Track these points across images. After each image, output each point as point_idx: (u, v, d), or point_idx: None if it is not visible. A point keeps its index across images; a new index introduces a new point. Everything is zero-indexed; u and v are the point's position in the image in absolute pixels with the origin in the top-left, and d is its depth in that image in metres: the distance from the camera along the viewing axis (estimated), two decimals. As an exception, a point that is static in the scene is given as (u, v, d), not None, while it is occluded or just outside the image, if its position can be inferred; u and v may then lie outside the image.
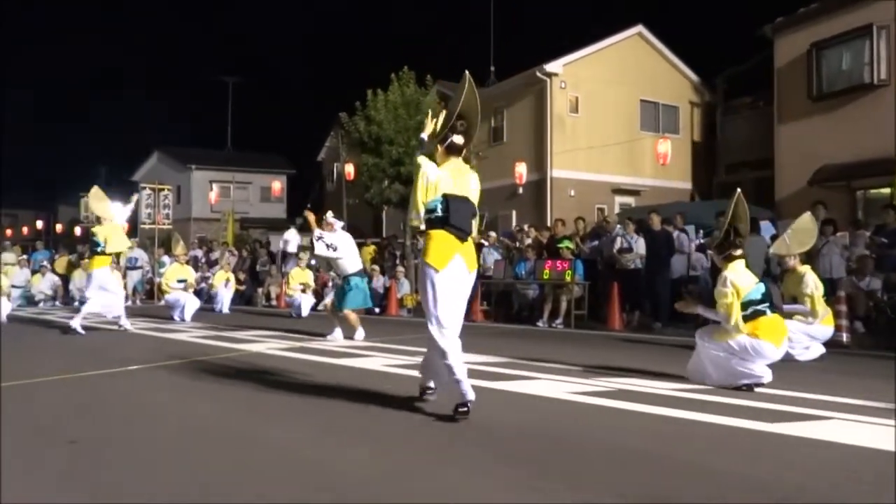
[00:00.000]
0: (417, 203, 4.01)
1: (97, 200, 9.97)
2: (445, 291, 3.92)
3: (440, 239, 3.96)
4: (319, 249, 8.07)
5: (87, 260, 10.84)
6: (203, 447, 3.36)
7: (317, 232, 8.12)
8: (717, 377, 4.95)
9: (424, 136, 4.19)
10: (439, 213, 3.97)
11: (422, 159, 4.07)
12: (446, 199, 3.97)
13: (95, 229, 9.68)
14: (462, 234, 3.99)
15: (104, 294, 9.42)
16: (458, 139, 4.13)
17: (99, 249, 9.41)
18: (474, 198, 4.13)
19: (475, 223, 4.21)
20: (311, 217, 8.37)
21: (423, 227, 4.06)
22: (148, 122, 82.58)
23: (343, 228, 8.63)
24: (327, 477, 2.86)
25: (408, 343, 7.77)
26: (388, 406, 4.29)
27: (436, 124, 4.18)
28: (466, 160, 4.32)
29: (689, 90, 21.64)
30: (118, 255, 12.13)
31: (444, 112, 4.26)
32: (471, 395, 3.82)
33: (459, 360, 3.92)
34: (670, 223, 11.15)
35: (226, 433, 3.64)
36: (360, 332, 8.24)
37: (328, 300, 9.77)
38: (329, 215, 8.47)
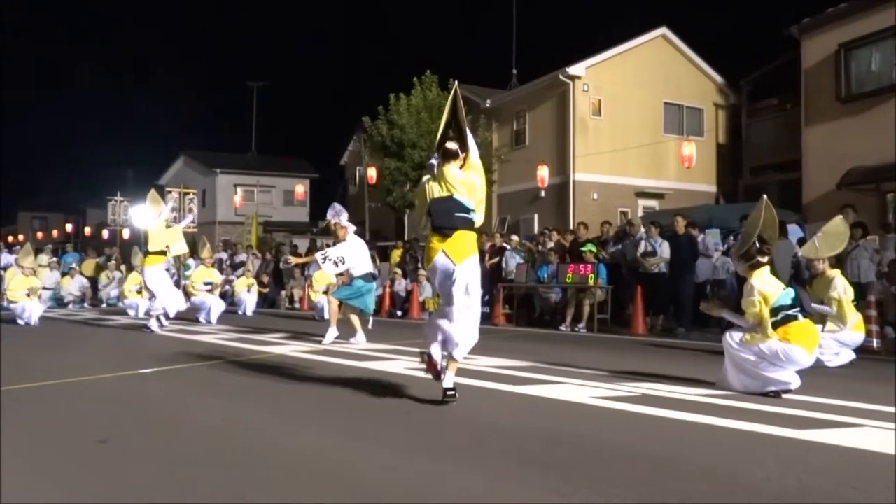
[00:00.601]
0: (419, 218, 4.61)
1: (149, 202, 10.44)
2: (434, 283, 4.59)
3: (428, 241, 4.47)
4: (329, 270, 8.03)
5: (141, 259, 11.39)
6: (229, 448, 3.40)
7: (319, 255, 8.09)
8: (745, 382, 4.87)
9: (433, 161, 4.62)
10: (429, 217, 4.41)
11: (424, 178, 4.57)
12: (429, 206, 4.39)
13: (145, 229, 10.13)
14: (445, 232, 4.35)
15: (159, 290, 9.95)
16: (450, 145, 4.45)
17: (143, 249, 9.87)
18: (466, 189, 4.37)
19: (468, 213, 4.39)
20: (297, 260, 8.66)
21: (427, 232, 4.53)
22: (174, 127, 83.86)
23: (355, 232, 8.46)
24: (351, 481, 2.88)
25: (430, 346, 7.78)
26: (412, 410, 4.30)
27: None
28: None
29: (714, 92, 21.42)
30: (176, 255, 12.56)
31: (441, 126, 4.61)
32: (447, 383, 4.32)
33: (438, 337, 4.40)
34: (694, 226, 11.04)
35: (251, 435, 3.68)
36: (331, 336, 8.10)
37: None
38: (343, 218, 8.32)
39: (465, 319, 4.32)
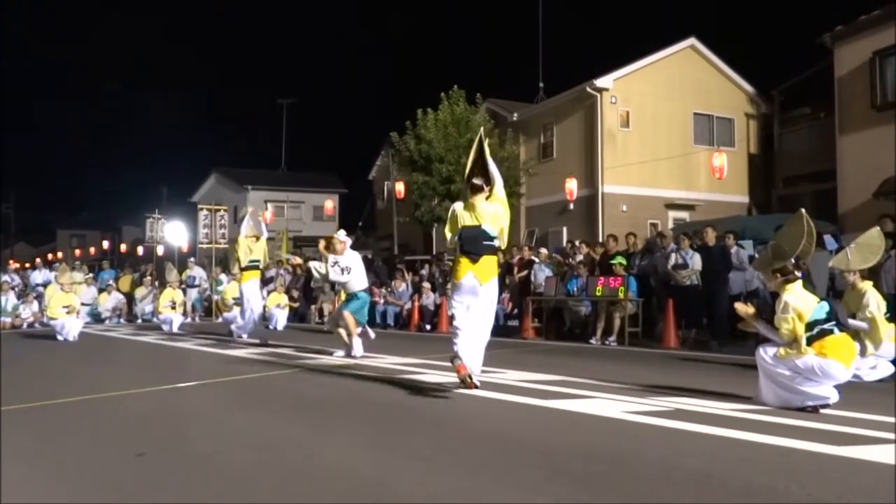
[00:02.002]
0: (446, 235, 5.69)
1: (249, 217, 10.88)
2: (459, 297, 5.45)
3: (458, 261, 5.53)
4: (335, 275, 8.13)
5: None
6: (265, 461, 3.44)
7: (332, 258, 8.15)
8: (782, 397, 4.76)
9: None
10: (459, 242, 5.49)
11: (457, 205, 5.65)
12: (460, 231, 5.49)
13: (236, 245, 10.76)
14: (473, 257, 5.41)
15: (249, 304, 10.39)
16: (476, 180, 5.51)
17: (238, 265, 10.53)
18: (491, 220, 5.43)
19: (492, 241, 5.46)
20: (322, 245, 8.49)
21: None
22: (207, 144, 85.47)
23: (350, 247, 8.46)
24: (383, 495, 2.90)
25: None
26: (442, 424, 4.31)
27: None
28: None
29: (745, 102, 21.17)
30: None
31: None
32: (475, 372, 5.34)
33: (462, 345, 5.32)
34: (734, 235, 10.87)
35: (286, 448, 3.73)
36: (358, 348, 8.16)
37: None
38: (341, 234, 8.47)
39: (483, 325, 5.48)
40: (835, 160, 15.55)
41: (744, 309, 5.18)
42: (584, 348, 10.25)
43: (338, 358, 8.10)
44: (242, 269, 10.56)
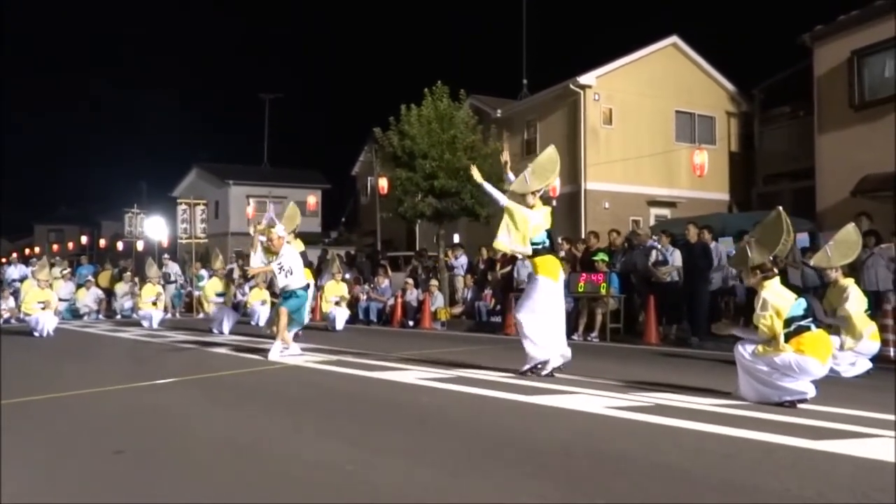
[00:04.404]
0: (525, 240, 6.07)
1: (288, 213, 10.18)
2: (552, 295, 6.14)
3: (552, 261, 6.21)
4: (282, 280, 7.83)
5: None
6: (244, 458, 3.41)
7: (275, 265, 7.85)
8: (760, 392, 4.82)
9: (524, 188, 6.26)
10: (547, 244, 6.21)
11: (520, 208, 6.16)
12: (548, 233, 6.23)
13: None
14: (559, 256, 6.52)
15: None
16: (545, 189, 6.38)
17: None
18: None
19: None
20: (255, 271, 8.37)
21: (529, 253, 6.14)
22: (188, 139, 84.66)
23: (288, 242, 8.13)
24: (365, 491, 2.88)
25: (442, 357, 7.78)
26: (424, 420, 4.30)
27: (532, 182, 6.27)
28: (545, 201, 6.47)
29: (726, 100, 21.35)
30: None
31: (538, 174, 6.26)
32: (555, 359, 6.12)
33: (535, 338, 6.07)
34: (710, 230, 10.94)
35: (265, 445, 3.70)
36: (275, 352, 7.62)
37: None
38: (280, 229, 7.98)
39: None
40: (813, 158, 15.74)
41: (719, 329, 5.60)
42: (566, 344, 10.29)
43: (287, 356, 7.61)
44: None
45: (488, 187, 6.51)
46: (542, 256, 6.13)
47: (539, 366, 6.05)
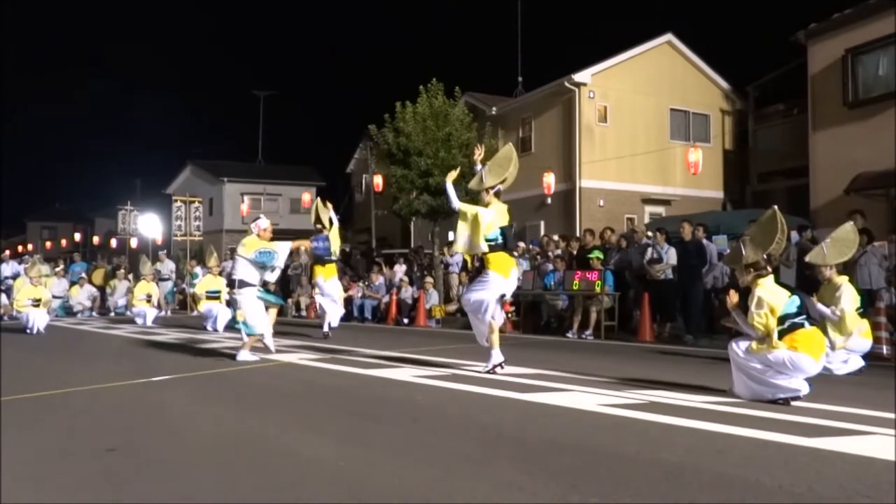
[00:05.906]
0: (479, 237, 6.08)
1: (319, 205, 10.52)
2: (502, 290, 6.24)
3: (505, 258, 6.26)
4: (271, 278, 7.73)
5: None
6: (237, 456, 3.40)
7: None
8: (754, 389, 4.83)
9: (479, 185, 6.35)
10: (500, 241, 6.20)
11: (472, 207, 6.23)
12: (503, 230, 6.21)
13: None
14: (513, 254, 6.49)
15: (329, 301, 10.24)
16: (501, 187, 6.36)
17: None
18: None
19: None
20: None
21: (485, 250, 6.16)
22: (182, 136, 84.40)
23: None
24: (359, 489, 2.87)
25: (436, 354, 7.78)
26: (418, 418, 4.30)
27: (487, 179, 6.32)
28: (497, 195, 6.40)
29: (720, 98, 21.39)
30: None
31: (494, 171, 6.34)
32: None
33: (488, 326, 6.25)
34: (705, 228, 10.96)
35: (259, 443, 3.68)
36: (245, 354, 7.34)
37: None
38: (262, 220, 7.64)
39: None
40: (807, 156, 15.79)
41: (731, 299, 5.11)
42: (561, 342, 10.31)
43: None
44: (332, 262, 10.32)
45: (448, 188, 6.44)
46: (494, 253, 6.20)
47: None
